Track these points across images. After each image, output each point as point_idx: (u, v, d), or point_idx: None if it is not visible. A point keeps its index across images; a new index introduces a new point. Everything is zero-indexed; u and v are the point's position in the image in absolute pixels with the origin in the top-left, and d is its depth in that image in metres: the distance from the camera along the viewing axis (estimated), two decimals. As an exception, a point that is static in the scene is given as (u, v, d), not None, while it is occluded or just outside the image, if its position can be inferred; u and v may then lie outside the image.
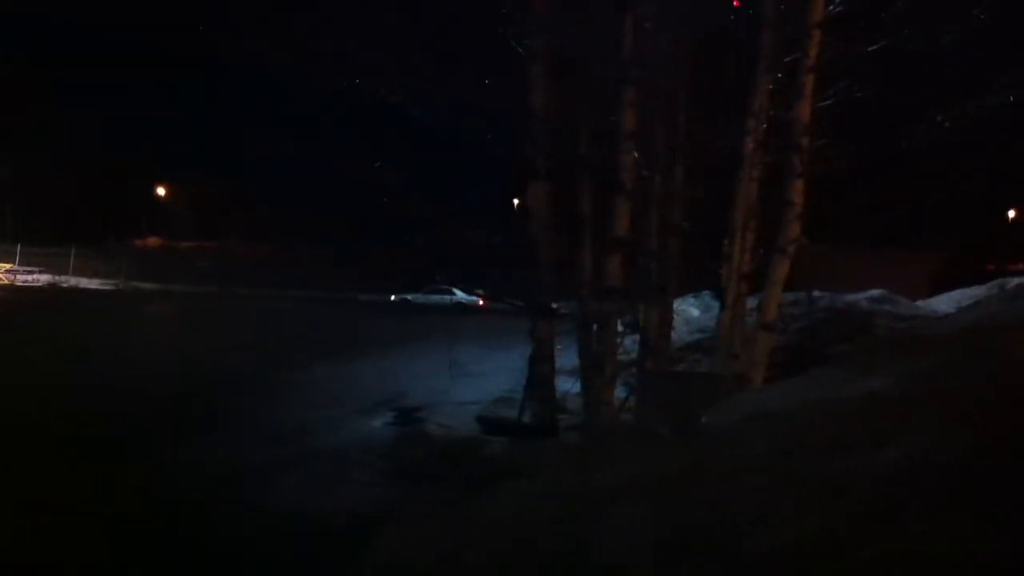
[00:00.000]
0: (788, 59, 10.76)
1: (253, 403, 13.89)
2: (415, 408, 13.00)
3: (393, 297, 45.22)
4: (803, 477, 4.47)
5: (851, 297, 17.71)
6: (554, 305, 11.23)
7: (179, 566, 6.44)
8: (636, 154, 10.39)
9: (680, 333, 16.96)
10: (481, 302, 40.55)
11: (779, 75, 10.90)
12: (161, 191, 71.74)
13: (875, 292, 18.28)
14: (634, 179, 10.35)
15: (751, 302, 11.29)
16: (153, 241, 70.91)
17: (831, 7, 10.42)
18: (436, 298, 44.66)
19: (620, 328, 10.83)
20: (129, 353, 20.56)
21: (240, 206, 64.35)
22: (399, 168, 12.68)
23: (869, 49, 10.40)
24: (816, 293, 17.06)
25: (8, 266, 50.09)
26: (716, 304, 20.25)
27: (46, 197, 62.69)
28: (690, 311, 21.30)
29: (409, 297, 45.67)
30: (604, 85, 10.69)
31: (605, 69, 10.54)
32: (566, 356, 11.99)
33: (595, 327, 10.43)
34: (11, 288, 45.02)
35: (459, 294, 45.52)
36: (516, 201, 13.52)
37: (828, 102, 10.66)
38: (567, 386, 11.52)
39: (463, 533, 5.63)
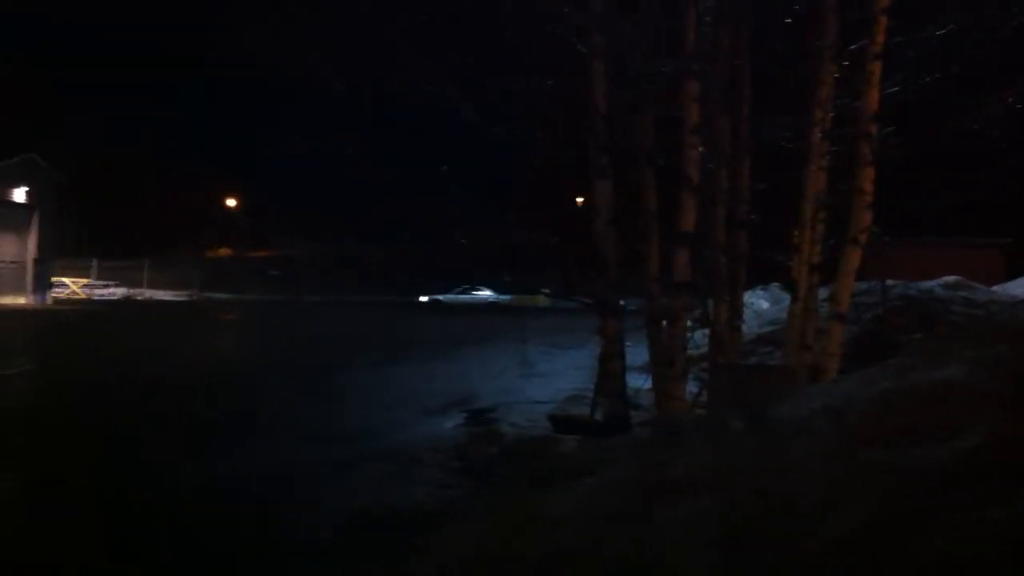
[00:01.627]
0: (853, 47, 10.62)
1: (321, 405, 14.10)
2: (486, 408, 13.06)
3: (424, 298, 45.38)
4: (872, 467, 4.41)
5: (925, 285, 17.42)
6: (621, 302, 11.22)
7: (249, 561, 6.54)
8: (700, 148, 10.33)
9: (750, 326, 16.86)
10: (510, 300, 41.09)
11: (844, 63, 10.76)
12: (231, 202, 73.06)
13: (949, 279, 17.95)
14: (699, 173, 10.29)
15: (822, 293, 11.15)
16: (224, 251, 72.31)
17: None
18: (466, 297, 44.97)
19: (690, 323, 10.79)
20: (203, 359, 21.09)
21: (298, 212, 65.40)
22: (453, 172, 12.72)
23: (937, 33, 10.24)
24: (889, 282, 16.81)
25: (85, 281, 51.34)
26: (786, 296, 20.07)
27: (118, 212, 64.21)
28: (760, 304, 21.16)
29: (440, 297, 46.01)
30: (666, 80, 10.66)
31: (667, 64, 10.52)
32: (636, 353, 11.98)
33: (664, 323, 10.38)
34: (88, 302, 46.14)
35: (489, 293, 45.80)
36: (580, 200, 13.53)
37: (895, 88, 10.51)
38: (638, 382, 11.51)
39: (527, 529, 5.64)
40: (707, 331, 11.25)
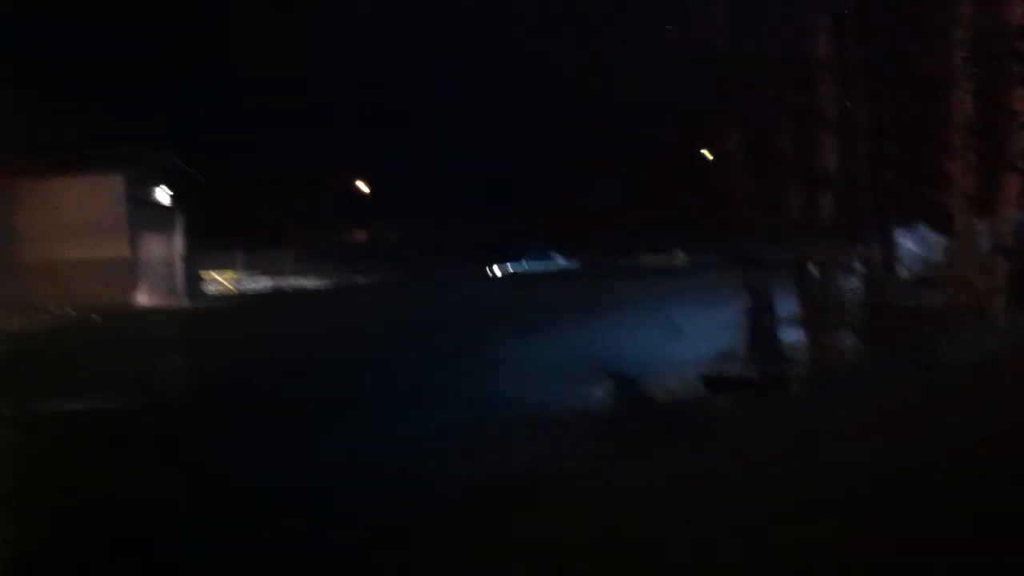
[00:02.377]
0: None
1: (468, 376, 14.12)
2: (634, 372, 12.81)
3: (496, 267, 45.25)
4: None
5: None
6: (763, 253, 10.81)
7: (406, 529, 6.54)
8: (834, 83, 9.84)
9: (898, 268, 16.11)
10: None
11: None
12: (363, 186, 73.97)
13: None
14: (835, 109, 9.80)
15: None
16: (361, 234, 73.44)
17: None
18: (540, 265, 44.88)
19: (839, 269, 10.34)
20: (356, 339, 21.49)
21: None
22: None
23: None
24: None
25: (231, 275, 52.68)
26: (932, 236, 19.14)
27: (254, 202, 65.89)
28: (905, 244, 20.17)
29: (511, 266, 45.94)
30: (792, 14, 10.18)
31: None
32: (783, 305, 11.55)
33: (812, 270, 9.97)
34: (238, 295, 47.43)
35: (559, 259, 45.64)
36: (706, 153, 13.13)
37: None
38: (789, 336, 11.08)
39: (688, 491, 5.49)
40: (858, 277, 10.76)
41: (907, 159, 11.01)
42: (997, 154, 9.70)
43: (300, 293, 47.48)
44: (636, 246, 45.79)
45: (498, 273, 46.89)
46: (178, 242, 42.23)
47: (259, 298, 45.52)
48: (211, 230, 48.32)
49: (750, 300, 10.12)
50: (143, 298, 37.67)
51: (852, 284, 10.89)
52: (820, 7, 9.56)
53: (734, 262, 10.45)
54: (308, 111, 63.33)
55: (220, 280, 50.43)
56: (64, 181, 36.96)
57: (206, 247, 49.01)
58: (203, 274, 46.20)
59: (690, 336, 15.97)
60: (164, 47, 64.38)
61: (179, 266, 41.91)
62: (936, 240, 14.06)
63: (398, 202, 69.99)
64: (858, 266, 10.64)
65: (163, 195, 41.21)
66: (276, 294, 47.50)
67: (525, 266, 46.33)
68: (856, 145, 10.37)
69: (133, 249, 37.76)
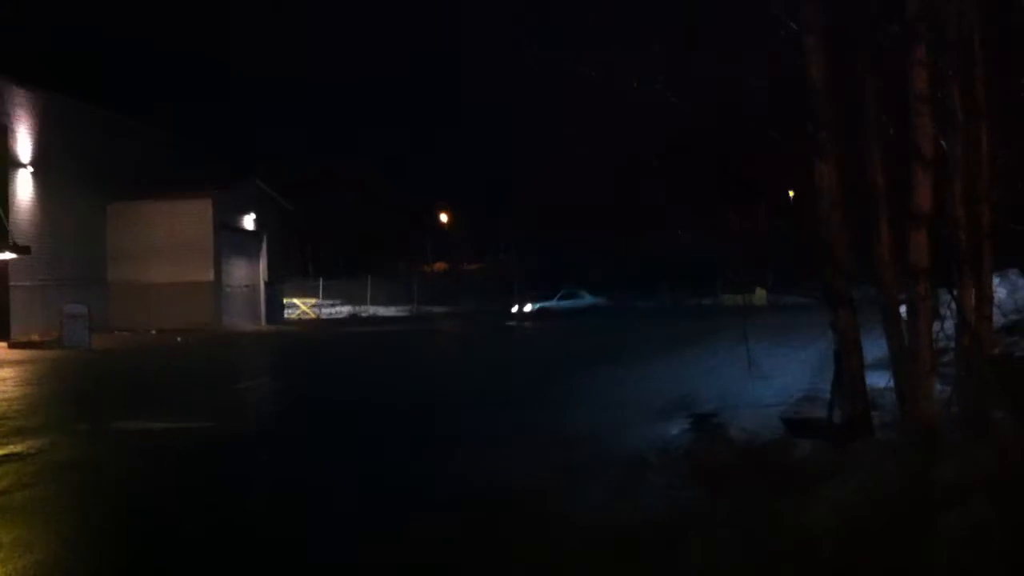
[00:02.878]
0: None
1: (540, 410, 13.91)
2: (711, 412, 12.45)
3: (530, 306, 46.19)
4: None
5: None
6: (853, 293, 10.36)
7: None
8: (930, 118, 9.40)
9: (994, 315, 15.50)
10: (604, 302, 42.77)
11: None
12: (444, 218, 74.90)
13: None
14: (932, 145, 9.36)
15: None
16: (440, 266, 74.18)
17: None
18: (568, 303, 45.85)
19: (934, 312, 9.86)
20: (423, 369, 21.50)
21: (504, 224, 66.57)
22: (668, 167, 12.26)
23: None
24: None
25: (313, 301, 53.68)
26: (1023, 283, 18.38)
27: (338, 231, 66.91)
28: (996, 291, 19.49)
29: (546, 304, 46.99)
30: (888, 47, 9.79)
31: (888, 29, 9.65)
32: (870, 348, 11.10)
33: (904, 313, 9.51)
34: (317, 321, 48.17)
35: (589, 297, 46.53)
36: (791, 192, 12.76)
37: None
38: (876, 380, 10.62)
39: (780, 540, 5.16)
40: (952, 321, 10.25)
41: (1007, 201, 10.51)
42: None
43: (374, 320, 48.01)
44: (712, 284, 45.29)
45: (529, 307, 47.40)
46: (263, 268, 42.89)
47: (334, 323, 46.08)
48: (294, 256, 49.19)
49: (838, 340, 9.69)
50: (225, 320, 38.30)
51: (945, 329, 10.41)
52: (918, 38, 9.16)
53: (823, 300, 10.02)
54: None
55: (300, 306, 51.21)
56: (154, 204, 37.88)
57: (292, 273, 49.93)
58: (284, 300, 46.87)
59: (769, 376, 15.57)
60: (257, 72, 65.77)
61: (263, 291, 42.54)
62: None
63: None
64: (951, 310, 10.14)
65: (249, 222, 41.89)
66: (350, 320, 48.10)
67: (556, 303, 46.83)
68: (953, 185, 9.92)
69: (217, 273, 38.45)
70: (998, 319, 15.89)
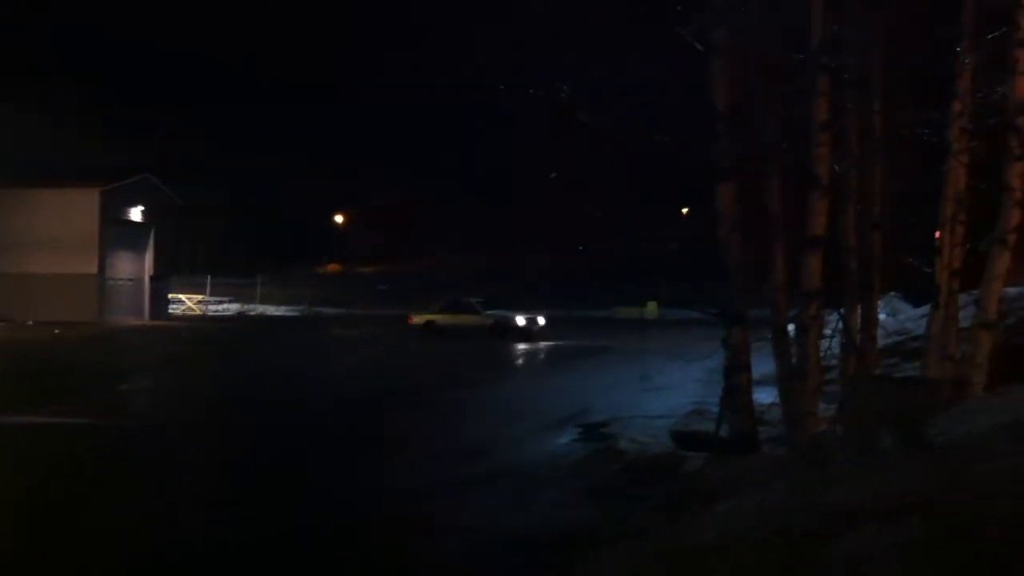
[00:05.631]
0: (993, 35, 9.86)
1: (433, 421, 13.81)
2: (602, 423, 12.55)
3: (414, 318, 37.22)
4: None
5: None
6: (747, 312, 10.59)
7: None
8: (829, 147, 9.68)
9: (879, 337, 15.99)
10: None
11: (984, 52, 10.00)
12: (339, 219, 74.13)
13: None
14: (830, 173, 9.64)
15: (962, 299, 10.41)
16: (334, 267, 73.32)
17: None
18: (464, 318, 36.96)
19: (822, 333, 10.14)
20: (311, 373, 21.12)
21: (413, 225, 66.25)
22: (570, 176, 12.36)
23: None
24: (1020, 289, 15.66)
25: (200, 297, 52.39)
26: (904, 307, 19.02)
27: (231, 229, 65.66)
28: (889, 313, 20.15)
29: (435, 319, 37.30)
30: (792, 75, 10.05)
31: (792, 58, 9.91)
32: (759, 365, 11.35)
33: (793, 332, 9.76)
34: (203, 318, 47.05)
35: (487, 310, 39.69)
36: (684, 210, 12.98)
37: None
38: (763, 397, 10.87)
39: (671, 560, 5.18)
40: (839, 342, 10.56)
41: (896, 228, 10.89)
42: (987, 229, 9.60)
43: (260, 320, 47.11)
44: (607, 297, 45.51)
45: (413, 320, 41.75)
46: (149, 262, 41.72)
47: (219, 321, 45.04)
48: (185, 253, 48.00)
49: (729, 357, 9.87)
50: (108, 314, 37.19)
51: (832, 349, 10.71)
52: (821, 69, 9.42)
53: (718, 318, 10.21)
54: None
55: (186, 302, 50.01)
56: (39, 192, 36.61)
57: (180, 269, 48.67)
58: (170, 296, 45.67)
59: (662, 389, 15.79)
60: (155, 64, 64.23)
61: (148, 285, 41.38)
62: (919, 312, 13.94)
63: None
64: (839, 332, 10.46)
65: (137, 215, 40.76)
66: (237, 319, 47.09)
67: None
68: (847, 212, 10.24)
69: (102, 266, 37.34)
70: (885, 340, 16.42)
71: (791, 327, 10.04)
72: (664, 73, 11.03)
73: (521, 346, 28.97)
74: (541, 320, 33.93)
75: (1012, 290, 13.23)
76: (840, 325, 10.43)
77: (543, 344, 29.43)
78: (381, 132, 68.75)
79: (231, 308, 52.72)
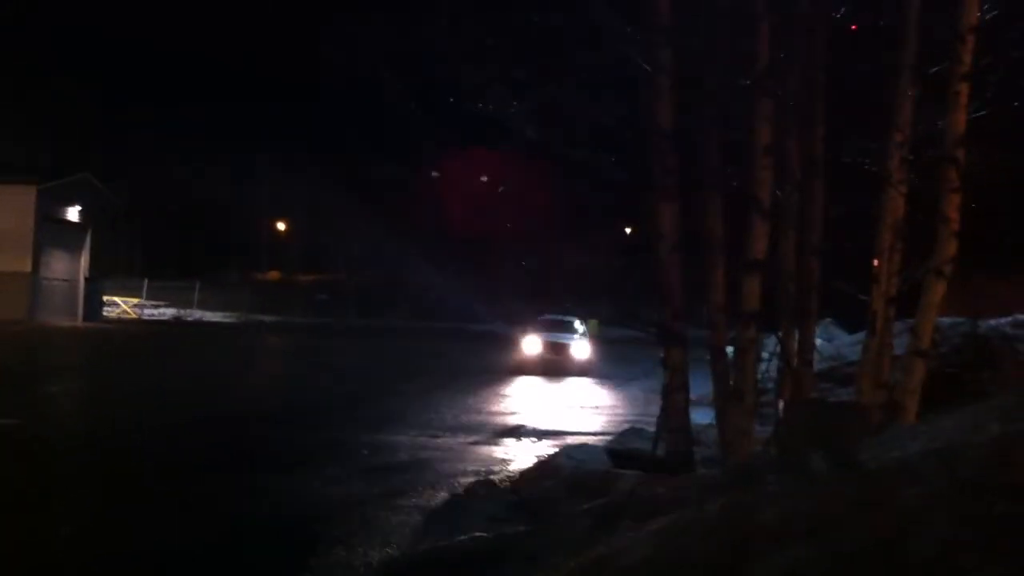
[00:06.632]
0: (935, 69, 10.03)
1: (365, 431, 13.58)
2: (538, 438, 12.53)
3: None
4: (993, 520, 3.87)
5: (993, 322, 16.57)
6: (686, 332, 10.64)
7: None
8: (771, 171, 9.77)
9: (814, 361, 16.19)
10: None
11: (925, 84, 10.16)
12: (281, 226, 73.62)
13: (1020, 316, 17.10)
14: (771, 197, 9.73)
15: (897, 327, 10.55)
16: (273, 275, 72.66)
17: (985, 7, 9.68)
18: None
19: (759, 356, 10.21)
20: (244, 381, 20.79)
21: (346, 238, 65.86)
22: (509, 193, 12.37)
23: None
24: (957, 319, 15.98)
25: (136, 301, 51.62)
26: (839, 332, 19.29)
27: (170, 233, 64.79)
28: (824, 338, 20.46)
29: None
30: (735, 97, 10.13)
31: (736, 80, 10.00)
32: (696, 385, 11.41)
33: (730, 354, 9.81)
34: (137, 321, 46.35)
35: None
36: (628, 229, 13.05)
37: (983, 112, 9.88)
38: (701, 417, 10.92)
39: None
40: (775, 365, 10.65)
41: (834, 254, 11.00)
42: (925, 258, 9.73)
43: (196, 325, 46.52)
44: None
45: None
46: (84, 263, 40.99)
47: (154, 325, 44.40)
48: (121, 254, 47.16)
49: (667, 377, 9.91)
50: (40, 315, 36.48)
51: (769, 372, 10.80)
52: (764, 90, 9.51)
53: (656, 337, 10.24)
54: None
55: (121, 304, 49.24)
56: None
57: (117, 272, 47.84)
58: (105, 298, 44.91)
59: (599, 406, 15.81)
60: (99, 60, 63.29)
61: (82, 286, 40.64)
62: (854, 338, 14.11)
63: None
64: (776, 355, 10.54)
65: (73, 214, 40.04)
66: (172, 324, 46.44)
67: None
68: (787, 236, 10.32)
69: (35, 265, 36.62)
70: (817, 365, 16.62)
71: (730, 348, 10.10)
72: (607, 91, 11.07)
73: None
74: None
75: (946, 320, 13.50)
76: (777, 348, 10.51)
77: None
78: (323, 142, 68.20)
79: (167, 312, 51.96)
